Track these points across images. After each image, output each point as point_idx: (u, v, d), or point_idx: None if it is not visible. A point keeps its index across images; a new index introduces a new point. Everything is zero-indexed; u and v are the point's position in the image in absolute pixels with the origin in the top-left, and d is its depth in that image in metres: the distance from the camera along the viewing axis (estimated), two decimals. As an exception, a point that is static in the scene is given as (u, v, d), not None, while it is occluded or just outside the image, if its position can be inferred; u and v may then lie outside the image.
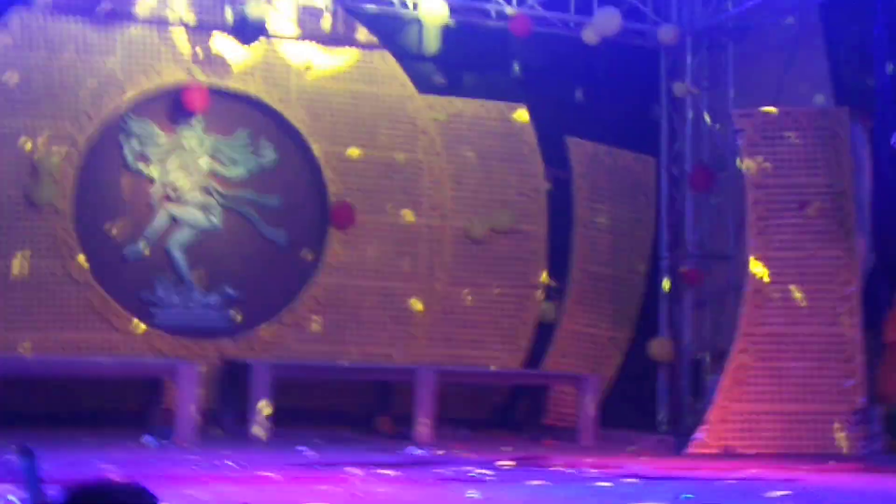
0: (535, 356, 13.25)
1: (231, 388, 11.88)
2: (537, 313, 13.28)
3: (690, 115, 13.60)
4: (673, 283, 13.60)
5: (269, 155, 12.61)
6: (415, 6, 12.65)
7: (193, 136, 12.34)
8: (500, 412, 13.37)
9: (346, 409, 12.53)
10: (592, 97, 13.65)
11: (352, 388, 12.54)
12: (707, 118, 13.56)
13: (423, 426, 11.70)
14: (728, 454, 11.06)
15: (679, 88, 13.51)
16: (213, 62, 12.33)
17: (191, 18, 12.28)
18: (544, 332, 13.33)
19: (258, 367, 11.54)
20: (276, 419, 11.28)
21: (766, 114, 12.03)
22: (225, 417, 11.81)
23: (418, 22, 12.85)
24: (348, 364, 12.36)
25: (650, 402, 13.53)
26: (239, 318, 12.42)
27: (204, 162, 12.38)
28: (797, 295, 11.58)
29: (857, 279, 11.50)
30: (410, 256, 12.99)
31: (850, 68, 12.13)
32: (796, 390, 11.43)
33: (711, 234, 13.54)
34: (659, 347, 13.30)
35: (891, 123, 11.05)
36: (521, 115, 13.30)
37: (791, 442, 11.29)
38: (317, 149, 12.67)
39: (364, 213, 12.77)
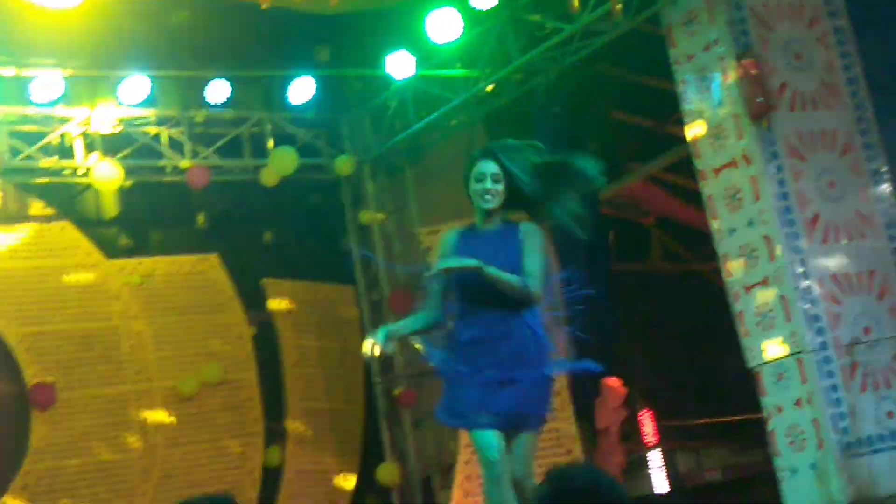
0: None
1: None
2: (261, 460, 13.06)
3: (380, 240, 13.79)
4: (389, 407, 13.64)
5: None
6: (87, 172, 12.43)
7: None
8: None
9: None
10: (282, 236, 13.70)
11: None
12: (394, 241, 13.76)
13: None
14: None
15: (364, 216, 13.71)
16: None
17: None
18: (273, 477, 13.12)
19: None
20: None
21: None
22: None
23: (93, 187, 12.61)
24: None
25: (389, 529, 13.48)
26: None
27: None
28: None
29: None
30: (123, 425, 12.58)
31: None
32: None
33: (418, 353, 13.63)
34: (387, 473, 13.29)
35: None
36: (214, 264, 13.17)
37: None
38: (5, 333, 12.18)
39: (66, 389, 12.29)
